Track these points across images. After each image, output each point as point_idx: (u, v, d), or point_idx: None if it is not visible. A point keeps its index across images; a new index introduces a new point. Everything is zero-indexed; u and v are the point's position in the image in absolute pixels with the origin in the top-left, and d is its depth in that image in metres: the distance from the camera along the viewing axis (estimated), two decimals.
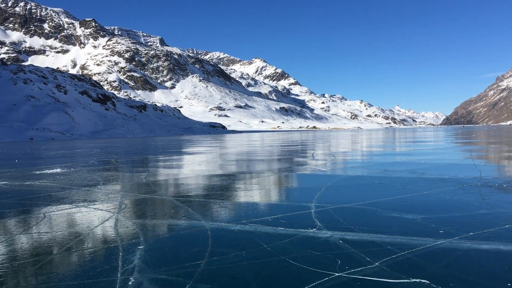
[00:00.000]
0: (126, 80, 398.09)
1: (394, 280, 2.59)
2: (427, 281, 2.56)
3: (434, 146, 19.83)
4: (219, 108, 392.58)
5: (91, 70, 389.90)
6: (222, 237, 3.82)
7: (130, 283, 2.71)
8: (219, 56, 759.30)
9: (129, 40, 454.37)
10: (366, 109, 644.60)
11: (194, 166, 12.36)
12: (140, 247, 3.56)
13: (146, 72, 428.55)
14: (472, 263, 2.91)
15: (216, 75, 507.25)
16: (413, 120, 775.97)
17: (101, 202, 6.02)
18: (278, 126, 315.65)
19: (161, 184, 7.97)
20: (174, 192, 6.80)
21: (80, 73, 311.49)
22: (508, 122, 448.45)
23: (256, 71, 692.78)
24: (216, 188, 7.20)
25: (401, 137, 38.22)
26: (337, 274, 2.73)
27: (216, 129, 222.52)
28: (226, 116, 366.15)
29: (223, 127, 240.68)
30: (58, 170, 11.79)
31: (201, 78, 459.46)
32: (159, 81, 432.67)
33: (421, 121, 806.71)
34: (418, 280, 2.59)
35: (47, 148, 33.72)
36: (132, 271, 2.92)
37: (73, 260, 3.31)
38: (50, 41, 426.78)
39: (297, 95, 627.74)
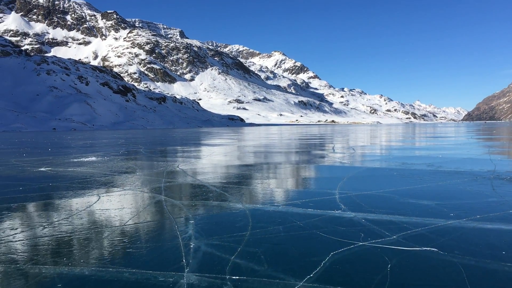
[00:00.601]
0: (146, 72, 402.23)
1: (408, 248, 3.15)
2: (435, 249, 3.12)
3: (453, 142, 20.10)
4: (238, 101, 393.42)
5: (112, 62, 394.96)
6: (259, 215, 4.42)
7: (191, 246, 3.33)
8: (239, 49, 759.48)
9: (150, 32, 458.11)
10: (386, 103, 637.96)
11: (221, 156, 13.01)
12: (191, 221, 4.19)
13: (166, 64, 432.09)
14: (475, 237, 3.45)
15: (235, 67, 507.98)
16: (434, 116, 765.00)
17: (144, 186, 6.69)
18: (297, 120, 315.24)
19: (194, 171, 8.62)
20: (208, 179, 7.44)
21: (101, 65, 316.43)
22: None
23: (275, 64, 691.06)
24: (246, 176, 7.83)
25: (421, 132, 38.28)
26: (361, 243, 3.30)
27: (234, 122, 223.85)
28: (244, 109, 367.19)
29: (242, 120, 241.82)
30: (94, 158, 12.58)
31: (220, 71, 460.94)
32: (178, 73, 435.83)
33: (442, 117, 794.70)
34: (428, 248, 3.14)
35: (73, 138, 34.91)
36: (190, 238, 3.55)
37: (138, 230, 3.96)
38: (73, 33, 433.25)
39: (316, 88, 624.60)
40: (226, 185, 6.63)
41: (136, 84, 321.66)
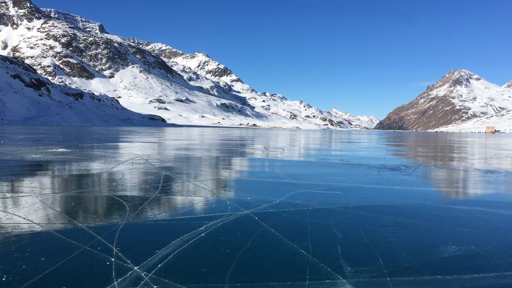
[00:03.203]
0: (61, 66, 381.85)
1: (325, 191, 6.16)
2: (339, 192, 6.15)
3: (363, 146, 24.26)
4: (159, 101, 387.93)
5: (23, 53, 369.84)
6: (246, 182, 7.25)
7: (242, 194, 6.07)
8: (161, 47, 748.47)
9: (67, 24, 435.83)
10: (305, 109, 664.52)
11: (176, 151, 15.50)
12: (220, 187, 6.89)
13: (83, 59, 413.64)
14: (361, 189, 6.57)
15: (158, 67, 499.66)
16: (349, 123, 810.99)
17: (141, 166, 9.15)
18: (219, 122, 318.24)
19: (165, 159, 11.12)
20: (186, 165, 10.05)
21: (12, 55, 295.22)
22: (435, 130, 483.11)
23: (199, 66, 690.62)
24: (212, 164, 10.57)
25: (337, 138, 43.09)
26: (302, 190, 6.26)
27: (156, 122, 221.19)
28: (166, 109, 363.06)
29: (163, 120, 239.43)
30: (63, 149, 14.46)
31: (142, 69, 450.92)
32: (97, 69, 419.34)
33: (357, 124, 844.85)
34: (335, 192, 6.18)
35: (3, 132, 34.72)
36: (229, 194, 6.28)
37: (178, 183, 6.59)
38: None
39: (239, 92, 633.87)
40: (208, 170, 9.34)
41: (50, 78, 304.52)
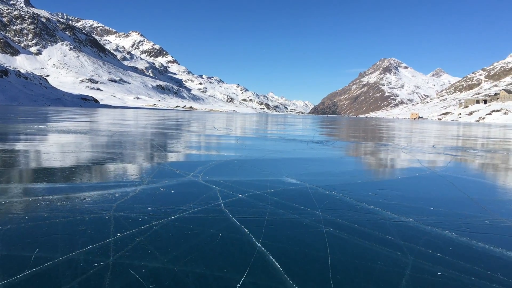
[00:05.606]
0: None
1: (277, 157, 9.46)
2: (281, 152, 9.47)
3: (297, 128, 28.06)
4: (91, 81, 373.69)
5: None
6: (218, 147, 10.36)
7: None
8: (93, 24, 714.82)
9: None
10: (242, 93, 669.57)
11: (144, 129, 18.15)
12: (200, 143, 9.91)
13: (7, 34, 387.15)
14: (296, 151, 9.94)
15: (89, 45, 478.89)
16: (285, 107, 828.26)
17: (129, 139, 11.91)
18: (154, 104, 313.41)
19: (141, 134, 13.89)
20: (164, 138, 12.92)
21: None
22: (365, 115, 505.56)
23: (133, 45, 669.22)
24: (183, 137, 13.54)
25: (273, 121, 46.96)
26: (257, 151, 9.51)
27: (88, 103, 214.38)
28: (98, 89, 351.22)
29: (96, 100, 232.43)
30: (42, 126, 16.65)
31: (72, 47, 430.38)
32: (22, 45, 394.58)
33: (292, 109, 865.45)
34: (280, 156, 9.49)
35: None
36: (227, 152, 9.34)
37: (176, 140, 9.56)
38: None
39: (175, 73, 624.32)
40: (178, 147, 12.32)
41: None
